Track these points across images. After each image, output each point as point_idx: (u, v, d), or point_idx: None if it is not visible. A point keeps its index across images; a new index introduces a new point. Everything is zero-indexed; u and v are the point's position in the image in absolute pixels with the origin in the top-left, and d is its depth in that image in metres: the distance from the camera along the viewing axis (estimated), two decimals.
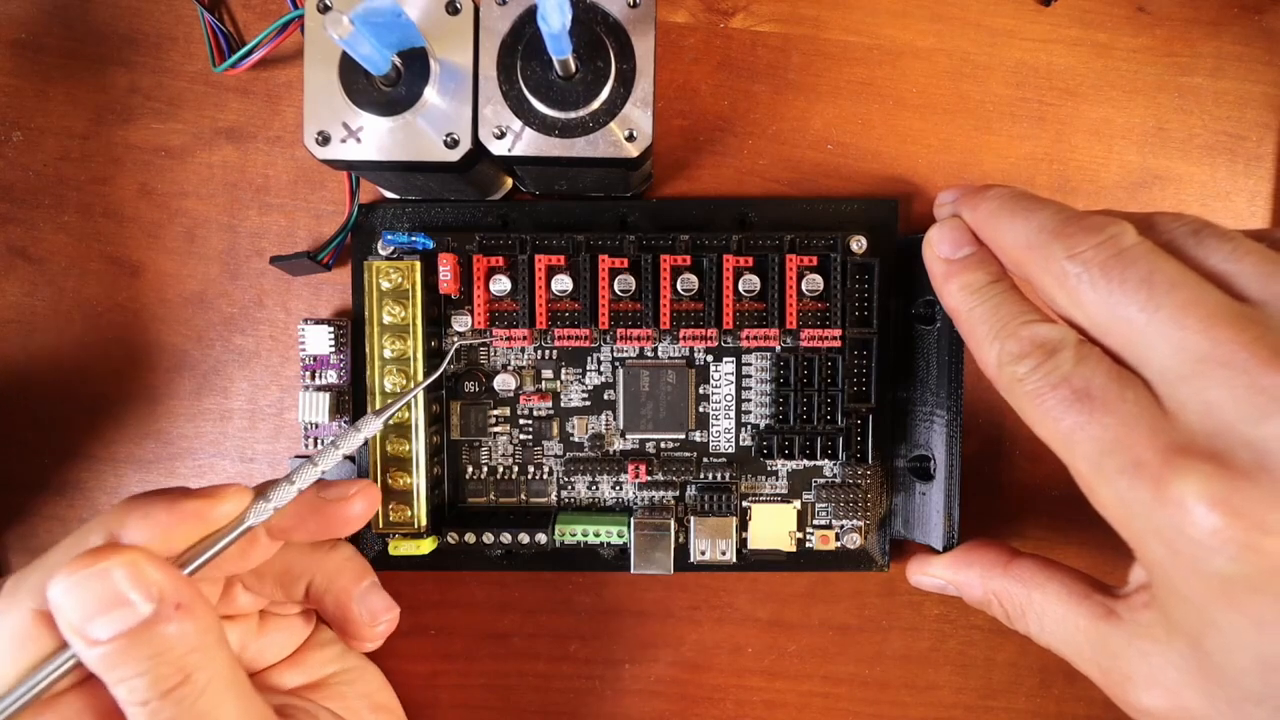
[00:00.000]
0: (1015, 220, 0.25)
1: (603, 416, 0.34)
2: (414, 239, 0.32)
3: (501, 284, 0.32)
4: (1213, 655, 0.22)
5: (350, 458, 0.35)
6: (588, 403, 0.34)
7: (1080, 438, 0.23)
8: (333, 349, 0.34)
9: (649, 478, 0.34)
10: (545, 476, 0.35)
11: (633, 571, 0.33)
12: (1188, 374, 0.21)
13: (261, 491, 0.26)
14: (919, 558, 0.32)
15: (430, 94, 0.27)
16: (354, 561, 0.31)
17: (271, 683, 0.31)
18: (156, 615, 0.22)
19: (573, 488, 0.35)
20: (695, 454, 0.34)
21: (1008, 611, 0.28)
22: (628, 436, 0.34)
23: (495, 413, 0.34)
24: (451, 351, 0.34)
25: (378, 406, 0.31)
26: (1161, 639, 0.23)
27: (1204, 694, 0.22)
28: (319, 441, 0.35)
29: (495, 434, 0.34)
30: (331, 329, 0.34)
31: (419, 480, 0.32)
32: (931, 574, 0.31)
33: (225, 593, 0.29)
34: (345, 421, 0.34)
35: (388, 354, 0.31)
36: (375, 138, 0.27)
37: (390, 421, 0.31)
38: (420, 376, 0.31)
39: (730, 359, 0.34)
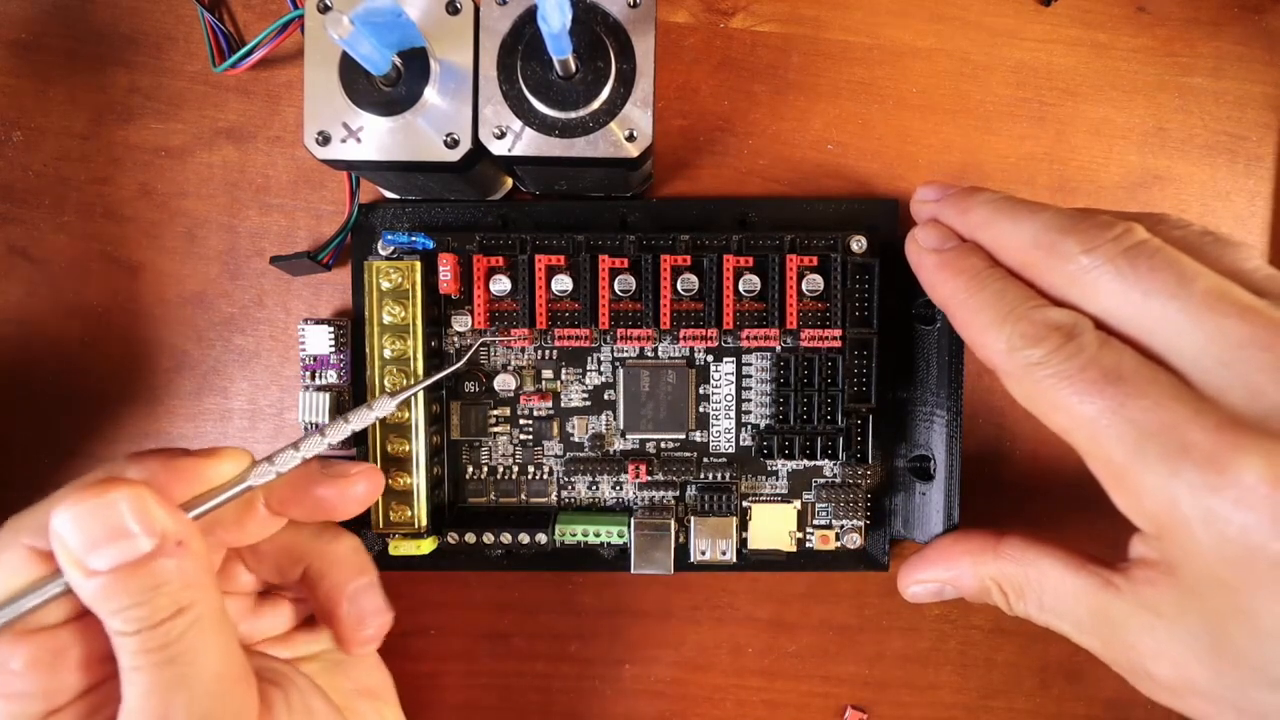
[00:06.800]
0: (1016, 221, 0.25)
1: (603, 416, 0.34)
2: (414, 239, 0.32)
3: (501, 284, 0.32)
4: (1235, 639, 0.21)
5: (350, 456, 0.35)
6: (588, 403, 0.34)
7: (1112, 422, 0.22)
8: (333, 349, 0.34)
9: (649, 478, 0.34)
10: (545, 476, 0.35)
11: (633, 571, 0.33)
12: (1227, 359, 0.21)
13: (265, 458, 0.26)
14: (906, 567, 0.30)
15: (430, 94, 0.27)
16: (356, 556, 0.30)
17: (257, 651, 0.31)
18: (158, 549, 0.22)
19: (573, 488, 0.35)
20: (695, 454, 0.34)
21: (1007, 594, 0.27)
22: (628, 436, 0.34)
23: (495, 413, 0.34)
24: (474, 348, 0.33)
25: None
26: (1169, 615, 0.22)
27: (1213, 672, 0.22)
28: None
29: (495, 434, 0.34)
30: (331, 329, 0.34)
31: (419, 480, 0.32)
32: (923, 579, 0.30)
33: (226, 569, 0.29)
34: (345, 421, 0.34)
35: (388, 354, 0.31)
36: (375, 138, 0.27)
37: (393, 420, 0.31)
38: (421, 376, 0.31)
39: (730, 359, 0.34)
